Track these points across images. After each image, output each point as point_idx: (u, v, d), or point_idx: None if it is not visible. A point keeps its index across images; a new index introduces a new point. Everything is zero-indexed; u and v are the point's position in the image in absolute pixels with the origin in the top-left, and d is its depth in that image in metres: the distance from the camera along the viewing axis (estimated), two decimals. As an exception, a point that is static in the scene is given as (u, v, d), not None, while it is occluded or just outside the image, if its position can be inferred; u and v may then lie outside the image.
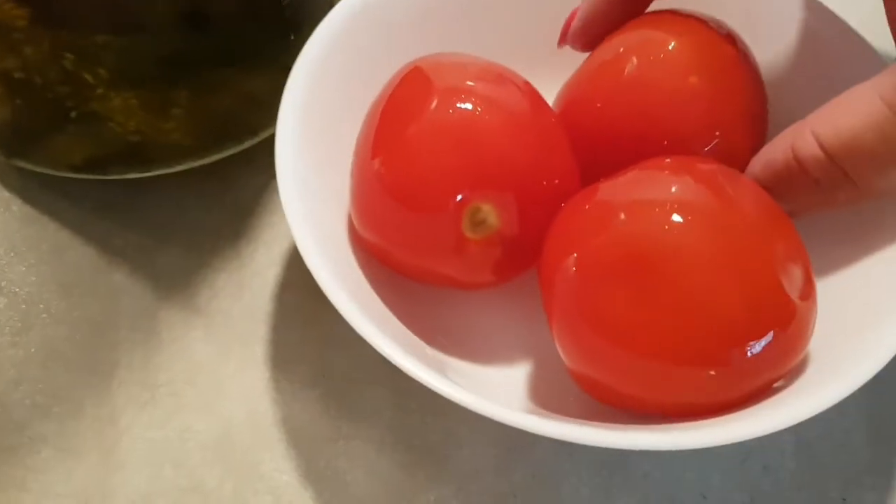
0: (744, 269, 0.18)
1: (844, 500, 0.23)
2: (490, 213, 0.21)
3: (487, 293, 0.24)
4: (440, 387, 0.18)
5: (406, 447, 0.23)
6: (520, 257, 0.21)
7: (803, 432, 0.24)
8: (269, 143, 0.22)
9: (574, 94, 0.23)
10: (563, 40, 0.24)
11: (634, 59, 0.22)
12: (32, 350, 0.24)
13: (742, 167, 0.21)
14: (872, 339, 0.19)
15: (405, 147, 0.21)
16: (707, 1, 0.23)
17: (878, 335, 0.19)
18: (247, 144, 0.27)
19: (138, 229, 0.26)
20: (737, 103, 0.22)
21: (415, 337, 0.22)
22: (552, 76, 0.24)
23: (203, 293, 0.26)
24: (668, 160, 0.20)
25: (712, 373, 0.19)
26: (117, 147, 0.26)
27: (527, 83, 0.22)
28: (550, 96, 0.24)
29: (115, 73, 0.24)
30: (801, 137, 0.20)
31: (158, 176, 0.26)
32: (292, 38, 0.25)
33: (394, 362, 0.19)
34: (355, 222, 0.23)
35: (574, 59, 0.24)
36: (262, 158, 0.26)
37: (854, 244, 0.22)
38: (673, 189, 0.19)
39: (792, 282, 0.19)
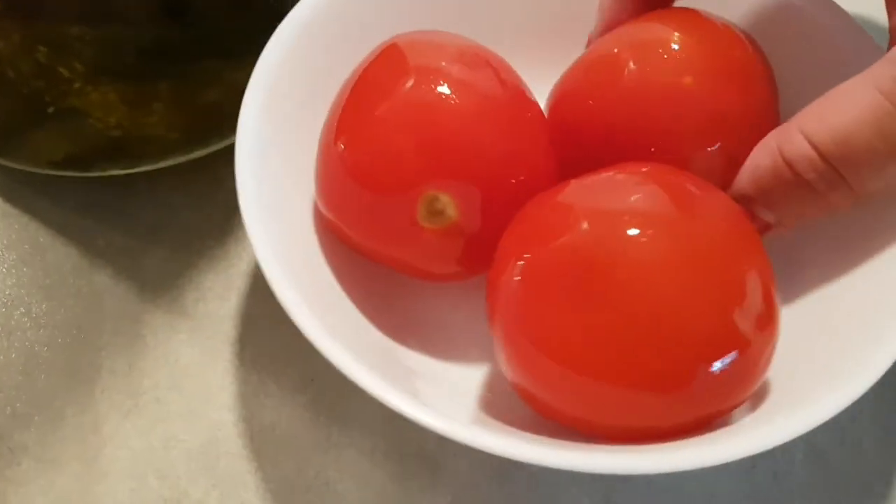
0: (696, 292, 0.17)
1: (857, 509, 0.22)
2: (448, 204, 0.20)
3: (459, 288, 0.23)
4: (408, 410, 0.17)
5: (399, 456, 0.22)
6: (485, 251, 0.20)
7: (814, 439, 0.23)
8: (253, 139, 0.21)
9: (567, 88, 0.22)
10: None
11: (629, 57, 0.21)
12: (13, 356, 0.23)
13: None
14: (844, 367, 0.18)
15: (369, 127, 0.20)
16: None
17: (849, 364, 0.18)
18: (233, 139, 0.26)
19: (122, 229, 0.26)
20: (738, 107, 0.20)
21: (379, 334, 0.21)
22: (552, 71, 0.23)
23: (189, 295, 0.25)
24: (638, 166, 0.19)
25: (654, 398, 0.17)
26: (98, 143, 0.25)
27: (509, 69, 0.21)
28: (544, 90, 0.22)
29: (92, 66, 0.23)
30: (788, 139, 0.18)
31: (143, 173, 0.25)
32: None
33: (362, 387, 0.18)
34: (317, 200, 0.22)
35: (572, 55, 0.23)
36: (249, 154, 0.25)
37: (837, 263, 0.21)
38: (633, 199, 0.18)
39: (748, 309, 0.17)
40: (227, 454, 0.22)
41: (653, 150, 0.20)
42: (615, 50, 0.21)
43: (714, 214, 0.18)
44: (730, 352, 0.17)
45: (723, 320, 0.17)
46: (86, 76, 0.23)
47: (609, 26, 0.22)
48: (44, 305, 0.24)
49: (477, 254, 0.21)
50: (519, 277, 0.18)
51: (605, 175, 0.19)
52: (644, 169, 0.19)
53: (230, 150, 0.26)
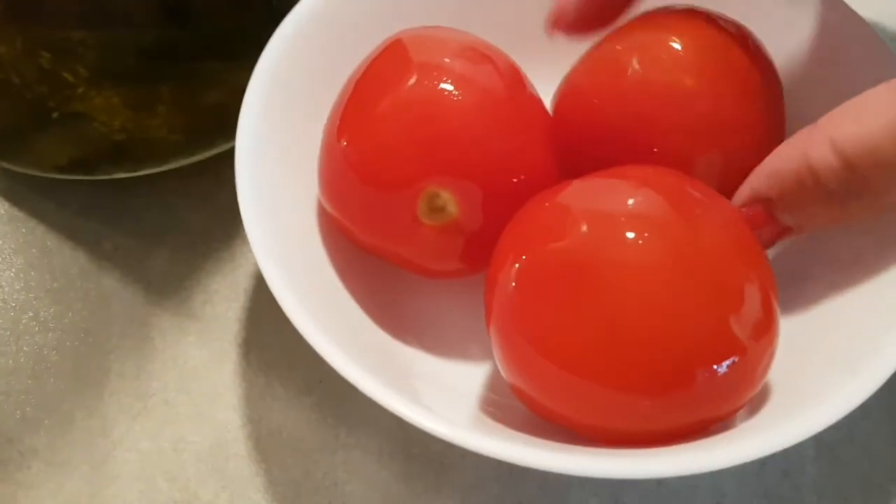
0: (693, 297, 0.17)
1: (868, 506, 0.22)
2: (449, 200, 0.20)
3: (461, 285, 0.23)
4: (415, 418, 0.17)
5: (406, 456, 0.22)
6: (485, 249, 0.20)
7: (824, 436, 0.22)
8: (257, 141, 0.21)
9: (571, 87, 0.22)
10: (550, 27, 0.22)
11: (633, 57, 0.20)
12: (22, 360, 0.24)
13: (747, 174, 0.20)
14: (853, 364, 0.18)
15: (371, 123, 0.20)
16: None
17: (859, 361, 0.18)
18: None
19: (128, 232, 0.26)
20: (741, 108, 0.20)
21: (381, 333, 0.21)
22: (557, 69, 0.22)
23: (197, 297, 0.25)
24: (639, 169, 0.19)
25: (650, 401, 0.17)
26: (103, 146, 0.25)
27: (513, 67, 0.21)
28: (551, 90, 0.22)
29: (95, 70, 0.23)
30: (815, 144, 0.18)
31: (148, 176, 0.25)
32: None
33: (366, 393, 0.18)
34: (321, 196, 0.22)
35: (577, 53, 0.23)
36: (254, 155, 0.25)
37: (842, 270, 0.21)
38: (633, 202, 0.18)
39: (746, 315, 0.17)
40: (235, 456, 0.22)
41: (655, 150, 0.20)
42: (619, 50, 0.21)
43: (714, 220, 0.18)
44: (727, 356, 0.17)
45: (720, 325, 0.17)
46: (89, 81, 0.23)
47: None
48: (52, 309, 0.24)
49: (477, 251, 0.21)
50: (516, 278, 0.18)
51: (606, 177, 0.19)
52: (644, 172, 0.19)
53: (231, 151, 0.26)
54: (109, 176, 0.25)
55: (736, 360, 0.17)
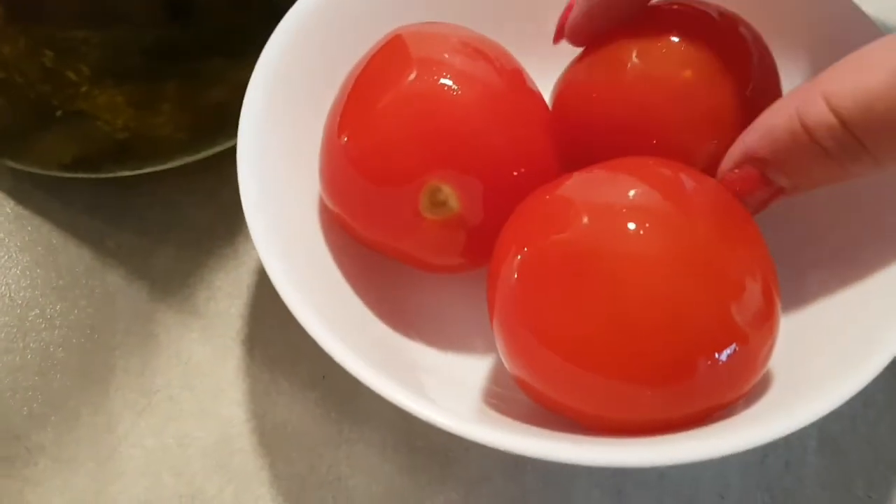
0: (694, 287, 0.17)
1: (870, 497, 0.22)
2: (451, 195, 0.20)
3: (463, 279, 0.23)
4: (418, 409, 0.17)
5: (410, 449, 0.22)
6: (487, 243, 0.20)
7: (827, 427, 0.23)
8: (258, 138, 0.21)
9: (570, 82, 0.22)
10: (559, 36, 0.22)
11: (632, 51, 0.20)
12: (28, 356, 0.24)
13: None
14: (853, 354, 0.18)
15: (372, 119, 0.20)
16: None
17: (858, 351, 0.18)
18: (239, 138, 0.26)
19: (132, 230, 0.26)
20: (739, 100, 0.20)
21: (385, 328, 0.21)
22: (556, 64, 0.22)
23: (200, 294, 0.25)
24: (639, 161, 0.19)
25: (653, 390, 0.17)
26: (107, 145, 0.25)
27: (513, 61, 0.21)
28: (551, 84, 0.22)
29: (98, 68, 0.23)
30: (809, 101, 0.17)
31: (151, 174, 0.26)
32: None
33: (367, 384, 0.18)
34: (322, 192, 0.22)
35: (575, 49, 0.23)
36: (256, 152, 0.25)
37: (843, 260, 0.21)
38: (633, 194, 0.18)
39: (747, 303, 0.17)
40: (240, 451, 0.22)
41: (654, 142, 0.20)
42: (618, 43, 0.21)
43: (714, 209, 0.18)
44: (728, 345, 0.17)
45: (721, 314, 0.17)
46: (92, 79, 0.23)
47: (591, 10, 0.21)
48: (58, 306, 0.24)
49: (479, 245, 0.21)
50: (518, 270, 0.18)
51: (606, 169, 0.19)
52: (644, 163, 0.19)
53: (233, 148, 0.26)
54: (113, 174, 0.26)
55: (737, 348, 0.17)
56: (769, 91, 0.21)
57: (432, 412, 0.17)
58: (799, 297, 0.21)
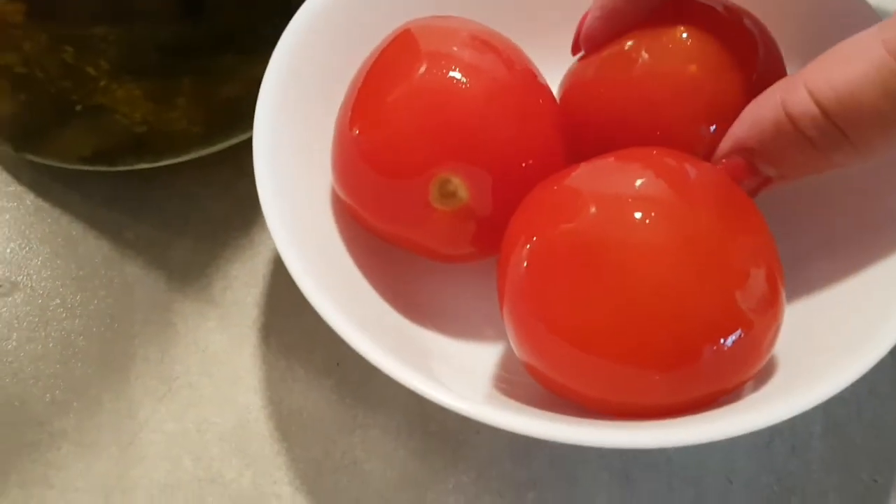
0: (700, 274, 0.18)
1: (875, 481, 0.22)
2: (460, 186, 0.20)
3: (473, 269, 0.23)
4: (432, 393, 0.18)
5: (422, 434, 0.23)
6: (496, 233, 0.20)
7: (832, 411, 0.23)
8: (274, 131, 0.22)
9: (577, 76, 0.22)
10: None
11: (639, 46, 0.21)
12: (50, 345, 0.24)
13: None
14: (857, 338, 0.18)
15: (382, 112, 0.21)
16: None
17: (862, 335, 0.18)
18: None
19: (149, 221, 0.26)
20: (746, 93, 0.20)
21: (397, 316, 0.22)
22: (564, 58, 0.23)
23: (217, 283, 0.25)
24: (644, 151, 0.19)
25: (660, 375, 0.18)
26: (125, 138, 0.25)
27: (521, 55, 0.22)
28: (558, 78, 0.23)
29: (117, 64, 0.23)
30: (792, 92, 0.18)
31: (167, 167, 0.26)
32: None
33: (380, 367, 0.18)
34: (334, 184, 0.22)
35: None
36: (270, 145, 0.25)
37: (845, 247, 0.21)
38: (639, 183, 0.18)
39: (752, 290, 0.18)
40: (257, 436, 0.23)
41: (660, 135, 0.21)
42: (624, 38, 0.21)
43: (719, 198, 0.19)
44: (733, 331, 0.18)
45: (726, 301, 0.18)
46: (111, 74, 0.24)
47: (608, 18, 0.22)
48: (78, 296, 0.25)
49: (488, 235, 0.21)
50: (528, 259, 0.19)
51: (613, 159, 0.19)
52: (650, 153, 0.19)
53: (251, 142, 0.27)
54: (131, 167, 0.26)
55: (742, 333, 0.17)
56: (773, 82, 0.21)
57: (445, 396, 0.18)
58: (803, 285, 0.21)
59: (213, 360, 0.24)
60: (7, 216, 0.27)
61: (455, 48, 0.21)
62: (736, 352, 0.18)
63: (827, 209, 0.22)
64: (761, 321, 0.18)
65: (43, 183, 0.27)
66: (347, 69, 0.23)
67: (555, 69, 0.23)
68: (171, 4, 0.23)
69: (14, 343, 0.24)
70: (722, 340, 0.18)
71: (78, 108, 0.24)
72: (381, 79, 0.21)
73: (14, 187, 0.27)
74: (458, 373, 0.22)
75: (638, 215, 0.18)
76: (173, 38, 0.24)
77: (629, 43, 0.21)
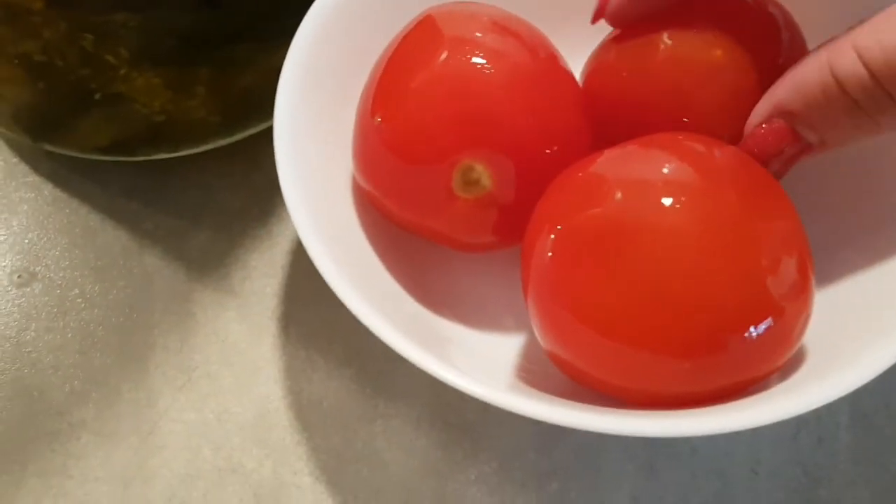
0: (729, 260, 0.17)
1: (904, 472, 0.22)
2: (483, 173, 0.20)
3: (494, 259, 0.23)
4: (448, 377, 0.18)
5: (444, 424, 0.23)
6: (519, 222, 0.20)
7: (859, 403, 0.23)
8: (294, 118, 0.22)
9: (601, 61, 0.22)
10: (598, 16, 0.22)
11: (662, 31, 0.21)
12: (69, 335, 0.24)
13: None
14: (884, 328, 0.18)
15: (404, 100, 0.21)
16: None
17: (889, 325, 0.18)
18: (270, 122, 0.26)
19: (167, 212, 0.26)
20: (769, 77, 0.20)
21: (417, 305, 0.22)
22: (587, 43, 0.23)
23: (236, 274, 0.25)
24: (670, 136, 0.19)
25: (688, 363, 0.17)
26: (143, 127, 0.25)
27: (544, 40, 0.21)
28: (581, 63, 0.22)
29: (137, 52, 0.23)
30: (841, 54, 0.17)
31: (185, 158, 0.26)
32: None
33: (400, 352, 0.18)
34: (355, 173, 0.22)
35: (607, 27, 0.23)
36: (289, 134, 0.25)
37: (876, 232, 0.21)
38: (665, 169, 0.18)
39: (782, 277, 0.17)
40: (277, 426, 0.23)
41: (685, 121, 0.20)
42: (648, 24, 0.21)
43: (748, 183, 0.18)
44: (763, 319, 0.17)
45: (756, 287, 0.17)
46: (131, 62, 0.23)
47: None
48: (97, 286, 0.25)
49: (511, 223, 0.21)
50: (553, 246, 0.19)
51: (637, 145, 0.19)
52: (675, 138, 0.19)
53: (268, 133, 0.26)
54: (148, 157, 0.26)
55: (773, 321, 0.17)
56: None
57: (469, 383, 0.17)
58: (830, 273, 0.21)
59: (233, 349, 0.24)
60: (25, 206, 0.26)
61: (477, 34, 0.21)
62: (765, 340, 0.17)
63: (854, 196, 0.22)
64: (791, 308, 0.18)
65: (61, 173, 0.27)
66: (367, 57, 0.22)
67: (577, 55, 0.22)
68: (191, -8, 0.23)
69: (33, 333, 0.24)
70: (751, 328, 0.17)
71: (97, 96, 0.24)
72: (402, 66, 0.21)
73: (32, 178, 0.27)
74: (479, 361, 0.21)
75: (665, 201, 0.18)
76: (193, 26, 0.23)
77: (652, 28, 0.21)
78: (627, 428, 0.17)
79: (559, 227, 0.19)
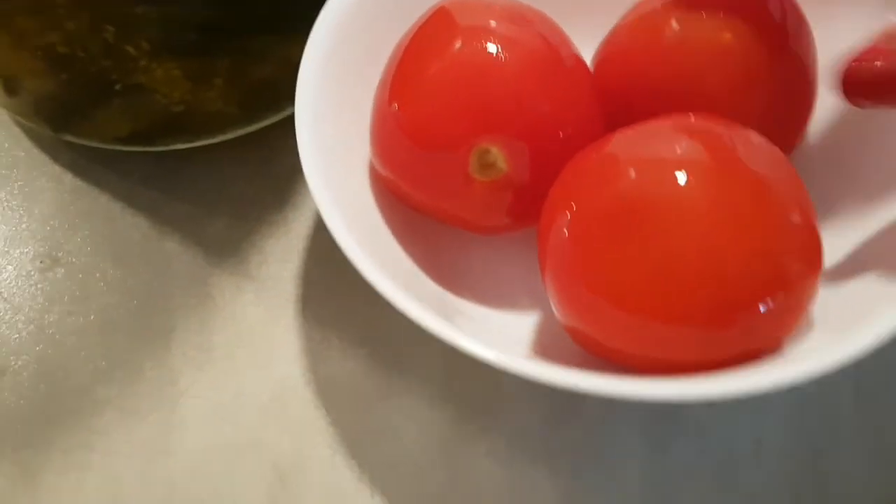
0: (741, 233, 0.18)
1: (905, 445, 0.23)
2: (499, 156, 0.21)
3: (509, 241, 0.24)
4: (463, 343, 0.18)
5: (457, 401, 0.23)
6: (534, 204, 0.21)
7: (863, 379, 0.23)
8: (311, 105, 0.22)
9: (612, 46, 0.23)
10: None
11: (672, 15, 0.21)
12: (91, 317, 0.25)
13: (785, 126, 0.20)
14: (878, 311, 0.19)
15: (421, 87, 0.21)
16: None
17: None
18: (288, 112, 0.27)
19: (185, 200, 0.27)
20: (778, 61, 0.21)
21: (434, 285, 0.22)
22: (597, 29, 0.23)
23: (252, 259, 0.26)
24: (681, 116, 0.20)
25: (702, 333, 0.18)
26: (162, 118, 0.26)
27: (555, 27, 0.22)
28: (592, 49, 0.23)
29: (157, 44, 0.24)
30: None
31: (201, 147, 0.27)
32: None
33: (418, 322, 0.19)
34: (373, 159, 0.23)
35: (617, 14, 0.24)
36: (304, 123, 0.26)
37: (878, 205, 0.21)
38: (678, 147, 0.19)
39: (792, 249, 0.18)
40: (295, 403, 0.23)
41: (693, 102, 0.21)
42: (657, 9, 0.22)
43: (756, 158, 0.19)
44: (775, 289, 0.18)
45: (768, 260, 0.18)
46: (151, 53, 0.24)
47: None
48: (118, 272, 0.26)
49: (526, 205, 0.22)
50: (569, 224, 0.19)
51: (650, 126, 0.20)
52: (687, 119, 0.20)
53: (284, 123, 0.27)
54: (167, 147, 0.27)
55: (784, 291, 0.18)
56: (803, 53, 0.22)
57: (488, 351, 0.18)
58: (838, 238, 0.21)
59: (251, 331, 0.25)
60: (47, 195, 0.27)
61: (490, 22, 0.21)
62: (776, 312, 0.18)
63: (859, 170, 0.23)
64: (801, 282, 0.18)
65: (80, 163, 0.28)
66: (383, 47, 0.23)
67: (588, 42, 0.23)
68: (211, -18, 0.23)
69: (56, 315, 0.25)
70: (763, 300, 0.18)
71: (117, 87, 0.25)
72: (418, 55, 0.22)
73: (53, 167, 0.28)
74: (496, 337, 0.22)
75: (678, 178, 0.18)
76: (213, 18, 0.24)
77: (662, 12, 0.22)
78: (641, 392, 0.18)
79: (574, 205, 0.19)
